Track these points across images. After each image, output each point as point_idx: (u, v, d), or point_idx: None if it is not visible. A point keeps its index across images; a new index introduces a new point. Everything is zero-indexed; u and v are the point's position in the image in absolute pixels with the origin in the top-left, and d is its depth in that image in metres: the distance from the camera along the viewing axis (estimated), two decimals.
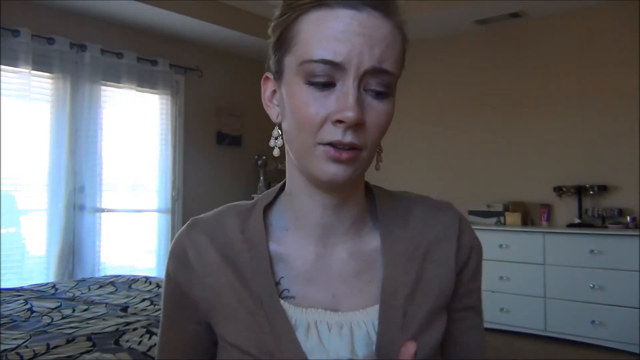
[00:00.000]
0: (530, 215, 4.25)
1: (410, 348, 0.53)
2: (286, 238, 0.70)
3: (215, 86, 5.00)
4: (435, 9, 4.22)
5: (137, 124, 4.35)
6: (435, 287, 0.69)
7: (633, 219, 3.72)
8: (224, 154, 5.10)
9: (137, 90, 4.34)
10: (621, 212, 3.81)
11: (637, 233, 3.44)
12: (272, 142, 0.69)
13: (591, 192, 3.91)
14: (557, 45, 4.21)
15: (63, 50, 3.85)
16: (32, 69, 3.68)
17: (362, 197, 0.71)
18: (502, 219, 4.23)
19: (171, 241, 1.02)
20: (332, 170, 0.60)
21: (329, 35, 0.58)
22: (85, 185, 3.95)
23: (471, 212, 4.38)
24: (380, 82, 0.60)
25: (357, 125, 0.59)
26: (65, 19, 3.97)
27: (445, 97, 4.78)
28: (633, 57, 3.83)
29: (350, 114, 0.57)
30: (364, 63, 0.58)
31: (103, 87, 4.13)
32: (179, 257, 0.70)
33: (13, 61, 3.59)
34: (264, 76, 0.69)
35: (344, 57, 0.58)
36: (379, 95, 0.61)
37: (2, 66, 3.54)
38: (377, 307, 0.67)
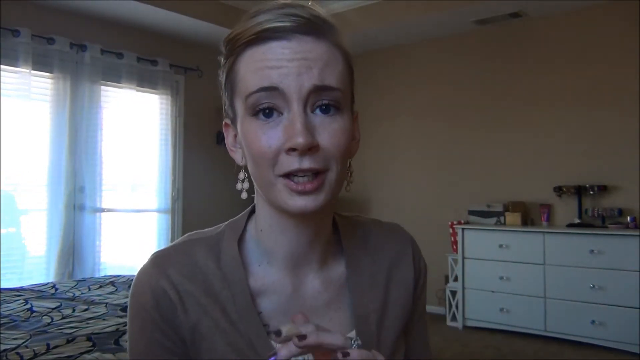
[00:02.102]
0: (530, 215, 4.24)
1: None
2: (260, 273, 0.68)
3: (215, 86, 4.78)
4: (436, 10, 4.22)
5: (137, 124, 4.35)
6: (399, 310, 0.73)
7: (633, 219, 3.72)
8: (224, 154, 5.04)
9: (137, 90, 4.34)
10: (621, 212, 3.80)
11: (637, 233, 3.44)
12: (238, 186, 0.69)
13: (591, 192, 3.91)
14: (557, 45, 4.21)
15: (63, 50, 3.85)
16: (32, 69, 3.68)
17: (330, 224, 0.71)
18: (502, 219, 4.23)
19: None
20: (299, 204, 0.59)
21: (262, 66, 0.59)
22: (85, 185, 3.96)
23: (471, 212, 4.37)
24: (327, 101, 0.60)
25: (311, 150, 0.58)
26: (65, 19, 3.97)
27: (445, 97, 4.78)
28: (633, 56, 3.83)
29: (300, 140, 0.57)
30: (304, 84, 0.58)
31: (103, 87, 4.13)
32: (158, 299, 0.64)
33: (13, 61, 3.59)
34: (224, 122, 0.69)
35: (281, 81, 0.58)
36: (327, 112, 0.60)
37: (2, 66, 3.54)
38: (351, 334, 0.67)
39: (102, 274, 3.91)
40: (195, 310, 0.64)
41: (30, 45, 3.65)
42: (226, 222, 0.73)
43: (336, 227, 0.74)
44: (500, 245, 4.00)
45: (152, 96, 4.51)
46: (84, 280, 2.94)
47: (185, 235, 0.71)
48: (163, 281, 0.64)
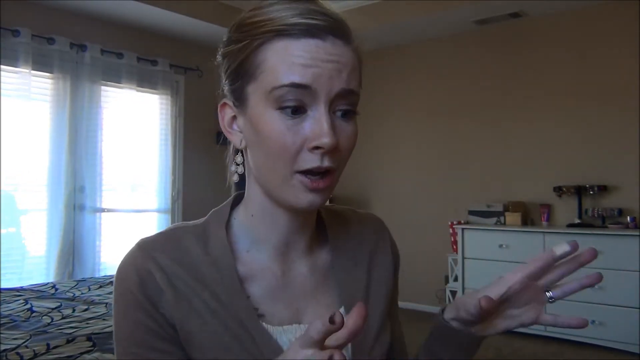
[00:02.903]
0: (530, 215, 4.24)
1: (361, 310, 0.52)
2: (248, 259, 0.69)
3: (215, 86, 4.98)
4: (436, 9, 4.22)
5: (137, 124, 4.35)
6: (383, 289, 0.76)
7: (633, 219, 3.72)
8: (224, 154, 5.08)
9: (137, 90, 4.34)
10: (621, 212, 3.81)
11: (637, 233, 3.44)
12: (232, 168, 0.70)
13: (591, 192, 3.91)
14: (557, 45, 4.21)
15: (63, 50, 3.85)
16: (32, 69, 3.68)
17: (315, 215, 0.74)
18: (502, 219, 4.23)
19: None
20: (308, 199, 0.61)
21: (296, 62, 0.59)
22: (85, 185, 3.96)
23: (471, 212, 4.37)
24: (348, 104, 0.62)
25: (333, 150, 0.60)
26: (65, 19, 3.97)
27: (445, 97, 4.78)
28: (633, 57, 3.83)
29: (327, 140, 0.58)
30: (334, 87, 0.60)
31: (103, 87, 4.13)
32: (143, 279, 0.63)
33: (13, 61, 3.59)
34: (220, 102, 0.69)
35: (314, 81, 0.59)
36: (346, 116, 0.62)
37: (2, 66, 3.55)
38: (340, 311, 0.68)
39: (102, 274, 3.91)
40: (184, 290, 0.64)
41: (30, 45, 3.66)
42: (208, 214, 0.73)
43: (319, 216, 0.76)
44: (500, 245, 4.00)
45: (152, 96, 4.51)
46: (84, 280, 2.95)
47: (171, 225, 0.71)
48: (149, 263, 0.64)
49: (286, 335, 0.66)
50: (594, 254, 0.64)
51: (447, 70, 4.78)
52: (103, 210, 4.08)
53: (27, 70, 3.64)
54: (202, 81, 4.88)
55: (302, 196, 0.61)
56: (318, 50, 0.60)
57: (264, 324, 0.65)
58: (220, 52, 0.67)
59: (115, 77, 4.20)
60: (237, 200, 0.74)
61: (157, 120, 4.54)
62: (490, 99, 4.54)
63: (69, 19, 3.99)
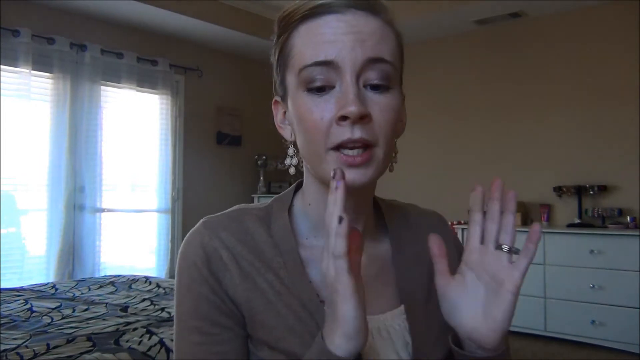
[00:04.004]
0: (530, 215, 4.24)
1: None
2: (308, 244, 0.69)
3: (215, 86, 5.01)
4: (436, 9, 4.22)
5: (137, 124, 4.35)
6: None
7: (633, 219, 3.72)
8: (224, 154, 5.10)
9: (137, 90, 4.34)
10: (621, 212, 3.80)
11: (637, 233, 3.44)
12: (287, 161, 0.70)
13: (591, 192, 3.91)
14: (557, 45, 4.21)
15: (63, 50, 3.85)
16: (32, 69, 3.68)
17: (372, 203, 0.72)
18: None
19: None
20: (348, 177, 0.59)
21: (319, 40, 0.60)
22: (85, 185, 3.95)
23: None
24: (379, 75, 0.60)
25: (363, 119, 0.59)
26: (65, 19, 3.97)
27: (444, 97, 4.78)
28: (633, 57, 3.83)
29: (352, 108, 0.57)
30: (358, 57, 0.59)
31: (103, 87, 4.13)
32: (209, 256, 0.64)
33: (13, 61, 3.59)
34: (273, 100, 0.70)
35: (336, 55, 0.59)
36: (379, 88, 0.61)
37: (2, 66, 3.54)
38: (400, 309, 0.69)
39: (102, 274, 3.91)
40: (249, 269, 0.65)
41: (30, 45, 3.65)
42: (271, 199, 0.74)
43: (377, 207, 0.76)
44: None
45: (152, 96, 4.51)
46: (84, 280, 2.94)
47: (234, 207, 0.72)
48: (216, 241, 0.65)
49: None
50: (514, 193, 0.58)
51: (446, 70, 4.78)
52: (103, 210, 4.08)
53: (27, 70, 3.64)
54: (202, 81, 4.88)
55: None
56: (338, 25, 0.60)
57: (326, 309, 0.65)
58: (271, 52, 0.69)
59: (115, 77, 4.20)
60: (298, 188, 0.74)
61: (157, 120, 4.53)
62: (490, 99, 4.54)
63: (69, 19, 3.99)
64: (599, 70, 4.01)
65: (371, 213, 0.72)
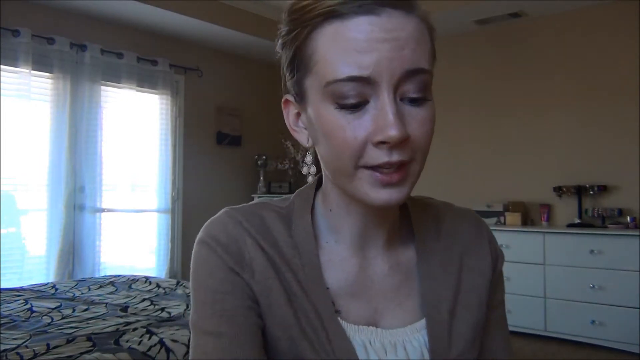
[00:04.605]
0: (530, 215, 4.24)
1: None
2: (327, 249, 0.65)
3: (215, 86, 5.01)
4: (435, 9, 4.21)
5: (137, 124, 4.35)
6: (474, 299, 0.67)
7: (633, 219, 3.72)
8: (224, 154, 5.10)
9: (137, 90, 4.34)
10: (621, 212, 3.81)
11: (637, 233, 3.44)
12: (305, 170, 0.66)
13: (591, 192, 3.91)
14: (557, 45, 4.21)
15: (63, 50, 3.85)
16: (32, 69, 3.68)
17: (398, 209, 0.68)
18: (502, 219, 4.22)
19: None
20: (384, 197, 0.55)
21: (350, 48, 0.52)
22: (85, 185, 3.95)
23: None
24: (417, 86, 0.54)
25: (402, 142, 0.53)
26: (65, 19, 3.97)
27: (444, 97, 4.77)
28: (633, 56, 3.83)
29: (393, 133, 0.52)
30: (396, 70, 0.52)
31: (103, 87, 4.13)
32: (231, 242, 0.61)
33: (13, 61, 3.59)
34: (283, 99, 0.64)
35: (372, 69, 0.52)
36: (417, 101, 0.55)
37: (2, 66, 3.54)
38: (421, 322, 0.64)
39: (102, 274, 3.91)
40: (269, 263, 0.61)
41: (30, 45, 3.65)
42: (293, 194, 0.69)
43: (406, 210, 0.70)
44: (501, 245, 3.94)
45: (152, 96, 4.51)
46: (84, 280, 2.94)
47: (256, 201, 0.69)
48: (239, 229, 0.62)
49: (360, 335, 0.62)
50: None
51: (446, 70, 4.78)
52: (103, 210, 4.08)
53: (27, 70, 3.64)
54: (202, 81, 4.88)
55: (373, 194, 0.55)
56: (373, 30, 0.52)
57: (340, 319, 0.61)
58: (278, 44, 0.61)
59: (115, 77, 4.20)
60: (321, 183, 0.68)
61: (157, 120, 4.53)
62: (490, 99, 4.54)
63: (69, 19, 3.99)
64: (599, 70, 4.01)
65: (396, 219, 0.67)
